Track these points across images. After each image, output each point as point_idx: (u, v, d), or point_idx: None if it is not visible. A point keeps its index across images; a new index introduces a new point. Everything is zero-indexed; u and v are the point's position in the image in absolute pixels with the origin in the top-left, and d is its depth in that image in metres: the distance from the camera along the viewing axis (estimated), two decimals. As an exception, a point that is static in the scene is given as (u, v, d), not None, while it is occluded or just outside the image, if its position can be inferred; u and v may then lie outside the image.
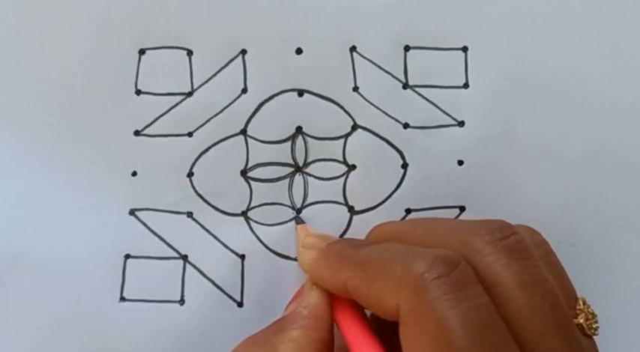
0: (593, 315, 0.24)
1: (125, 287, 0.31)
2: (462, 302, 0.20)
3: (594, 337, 0.23)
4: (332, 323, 0.26)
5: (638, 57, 0.31)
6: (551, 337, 0.21)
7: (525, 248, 0.23)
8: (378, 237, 0.27)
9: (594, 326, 0.23)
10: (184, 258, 0.31)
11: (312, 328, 0.25)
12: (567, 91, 0.31)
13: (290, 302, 0.29)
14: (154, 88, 0.31)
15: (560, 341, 0.21)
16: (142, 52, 0.31)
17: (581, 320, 0.23)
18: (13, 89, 0.31)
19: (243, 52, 0.31)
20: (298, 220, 0.31)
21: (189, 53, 0.31)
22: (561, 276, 0.24)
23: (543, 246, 0.25)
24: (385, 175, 0.31)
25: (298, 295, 0.28)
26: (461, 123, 0.31)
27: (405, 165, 0.31)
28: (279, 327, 0.25)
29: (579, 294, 0.24)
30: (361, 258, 0.24)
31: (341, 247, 0.26)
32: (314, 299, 0.26)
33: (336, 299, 0.26)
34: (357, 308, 0.26)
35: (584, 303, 0.24)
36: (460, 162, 0.31)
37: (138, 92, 0.31)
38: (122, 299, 0.31)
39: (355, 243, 0.26)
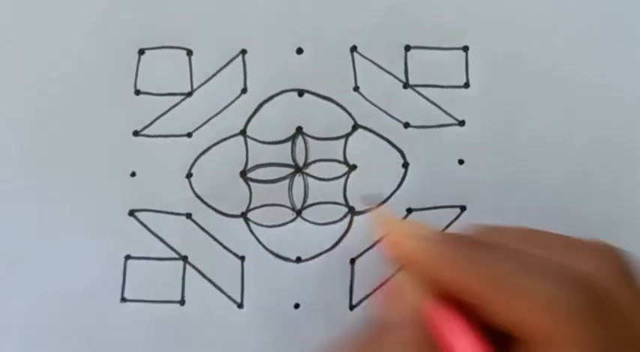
0: None
1: (126, 287, 0.31)
2: (617, 338, 0.20)
3: None
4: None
5: (638, 57, 0.31)
6: None
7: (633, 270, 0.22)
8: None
9: None
10: (184, 258, 0.31)
11: (418, 336, 0.23)
12: (568, 91, 0.31)
13: (379, 293, 0.27)
14: (154, 88, 0.31)
15: None
16: (141, 52, 0.31)
17: None
18: (13, 88, 0.31)
19: (243, 51, 0.31)
20: (371, 200, 0.30)
21: (189, 53, 0.31)
22: None
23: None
24: (386, 175, 0.31)
25: (388, 289, 0.25)
26: (461, 123, 0.31)
27: (405, 165, 0.31)
28: (384, 331, 0.23)
29: None
30: (500, 263, 0.22)
31: (470, 243, 0.23)
32: (417, 299, 0.23)
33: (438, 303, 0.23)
34: (460, 312, 0.23)
35: None
36: (461, 162, 0.31)
37: (137, 92, 0.31)
38: (123, 299, 0.31)
39: (474, 241, 0.23)
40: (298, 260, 0.31)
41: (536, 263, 0.21)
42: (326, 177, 0.31)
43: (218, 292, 0.31)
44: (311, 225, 0.31)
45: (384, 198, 0.30)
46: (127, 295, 0.31)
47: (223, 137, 0.31)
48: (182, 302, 0.31)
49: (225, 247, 0.31)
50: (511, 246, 0.22)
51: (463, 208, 0.31)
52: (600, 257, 0.22)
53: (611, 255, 0.22)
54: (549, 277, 0.21)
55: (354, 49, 0.31)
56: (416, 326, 0.23)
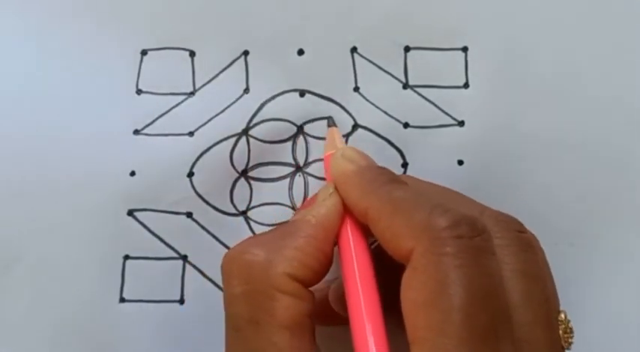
0: (571, 330, 0.24)
1: (125, 287, 0.31)
2: (476, 265, 0.21)
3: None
4: (334, 238, 0.25)
5: (638, 56, 0.32)
6: (539, 327, 0.22)
7: (535, 247, 0.24)
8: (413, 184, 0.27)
9: (570, 340, 0.24)
10: (184, 258, 0.31)
11: (317, 238, 0.24)
12: (567, 91, 0.31)
13: (299, 209, 0.28)
14: (156, 88, 0.31)
15: (546, 334, 0.22)
16: (144, 52, 0.32)
17: (560, 332, 0.23)
18: (15, 87, 0.31)
19: (246, 52, 0.32)
20: (330, 122, 0.30)
21: (192, 54, 0.32)
22: (552, 285, 0.25)
23: (541, 253, 0.25)
24: (385, 175, 0.31)
25: (309, 204, 0.27)
26: (461, 123, 0.31)
27: (405, 165, 0.31)
28: (285, 233, 0.25)
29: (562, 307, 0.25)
30: (395, 193, 0.24)
31: (380, 174, 0.25)
32: (324, 209, 0.25)
33: (345, 218, 0.25)
34: (363, 232, 0.25)
35: (565, 317, 0.24)
36: (460, 162, 0.31)
37: (139, 92, 0.31)
38: (122, 299, 0.30)
39: (394, 178, 0.26)
40: (298, 262, 0.31)
41: (427, 202, 0.23)
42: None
43: (218, 290, 0.30)
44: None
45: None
46: (125, 295, 0.31)
47: (225, 136, 0.31)
48: (181, 301, 0.30)
49: (225, 246, 0.31)
50: (416, 188, 0.25)
51: (463, 208, 0.31)
52: (489, 217, 0.24)
53: (500, 217, 0.24)
54: (432, 207, 0.22)
55: (354, 49, 0.32)
56: (317, 236, 0.24)
